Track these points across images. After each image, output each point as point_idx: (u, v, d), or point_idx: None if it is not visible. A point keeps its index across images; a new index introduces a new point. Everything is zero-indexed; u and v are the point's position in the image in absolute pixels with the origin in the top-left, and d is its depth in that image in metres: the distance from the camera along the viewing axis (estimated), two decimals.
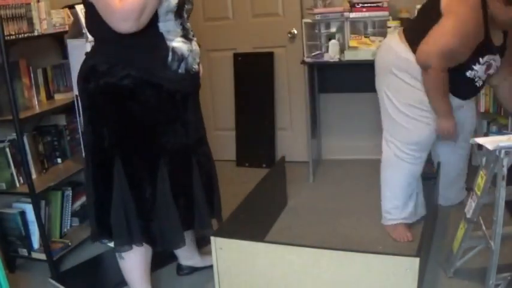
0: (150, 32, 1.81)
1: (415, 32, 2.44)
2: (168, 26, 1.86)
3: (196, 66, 1.99)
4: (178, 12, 1.87)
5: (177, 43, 1.88)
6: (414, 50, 2.40)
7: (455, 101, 2.52)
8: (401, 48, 2.47)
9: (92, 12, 1.80)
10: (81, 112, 2.05)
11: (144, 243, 2.03)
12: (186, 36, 1.92)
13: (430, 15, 2.37)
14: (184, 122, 2.01)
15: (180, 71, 1.91)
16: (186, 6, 1.93)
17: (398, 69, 2.48)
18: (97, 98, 1.89)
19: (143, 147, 1.94)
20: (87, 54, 1.99)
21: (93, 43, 1.99)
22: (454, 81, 2.41)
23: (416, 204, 2.70)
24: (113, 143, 1.91)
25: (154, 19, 1.80)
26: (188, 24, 1.97)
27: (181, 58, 1.90)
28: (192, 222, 2.09)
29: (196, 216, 2.09)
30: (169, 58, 1.87)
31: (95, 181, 1.97)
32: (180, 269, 2.47)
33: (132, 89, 1.85)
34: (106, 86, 1.85)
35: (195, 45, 1.98)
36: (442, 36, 2.28)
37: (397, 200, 2.66)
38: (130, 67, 1.84)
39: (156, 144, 1.95)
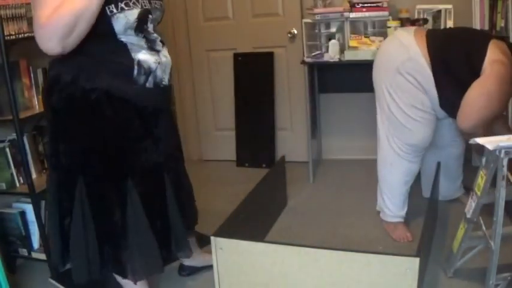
0: (112, 42, 1.70)
1: (441, 44, 2.41)
2: (130, 39, 1.73)
3: (167, 79, 1.86)
4: (139, 26, 1.73)
5: (143, 55, 1.75)
6: (431, 58, 2.38)
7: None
8: (416, 51, 2.41)
9: None
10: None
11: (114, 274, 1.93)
12: (152, 48, 1.79)
13: (468, 50, 2.35)
14: (155, 139, 1.88)
15: (147, 85, 1.78)
16: (151, 16, 1.79)
17: (407, 71, 2.43)
18: (59, 111, 1.76)
19: (109, 167, 1.79)
20: (50, 63, 1.83)
21: None
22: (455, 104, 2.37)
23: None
24: (76, 162, 1.78)
25: (112, 34, 1.68)
26: (155, 34, 1.82)
27: (149, 71, 1.77)
28: (169, 244, 1.99)
29: (173, 238, 2.00)
30: (135, 71, 1.74)
31: (59, 200, 1.84)
32: (182, 269, 2.47)
33: (97, 103, 1.72)
34: (69, 98, 1.73)
35: (164, 57, 1.84)
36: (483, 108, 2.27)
37: (396, 197, 2.69)
38: (94, 79, 1.71)
39: (124, 164, 1.81)
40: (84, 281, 1.87)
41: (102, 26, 1.65)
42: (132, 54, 1.73)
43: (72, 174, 1.80)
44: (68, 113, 1.76)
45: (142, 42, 1.76)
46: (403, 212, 2.71)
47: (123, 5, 1.67)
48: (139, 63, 1.74)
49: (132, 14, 1.69)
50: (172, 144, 2.03)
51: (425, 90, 2.44)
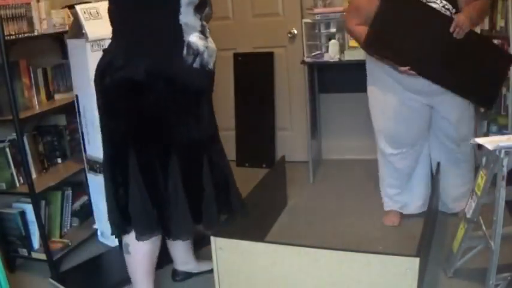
0: (169, 24, 1.85)
1: None
2: (187, 18, 1.88)
3: (211, 64, 2.03)
4: (199, 8, 1.91)
5: (194, 37, 1.91)
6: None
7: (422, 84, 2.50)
8: None
9: (114, 4, 1.86)
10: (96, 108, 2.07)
11: (156, 236, 2.04)
12: (203, 32, 1.96)
13: None
14: (197, 117, 2.02)
15: (195, 65, 1.93)
16: (206, 8, 1.99)
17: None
18: (111, 92, 1.91)
19: (155, 137, 1.94)
20: (104, 50, 2.01)
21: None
22: None
23: (416, 197, 2.83)
24: (127, 134, 1.93)
25: (176, 8, 1.83)
26: (205, 23, 2.00)
27: (197, 53, 1.92)
28: (200, 218, 2.08)
29: (204, 214, 2.08)
30: (185, 51, 1.89)
31: (113, 173, 1.99)
32: (175, 275, 2.45)
33: (147, 82, 1.86)
34: (121, 80, 1.87)
35: (211, 43, 2.02)
36: None
37: (387, 192, 2.87)
38: (145, 59, 1.85)
39: (168, 135, 1.95)
40: (145, 239, 2.01)
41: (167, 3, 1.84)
42: (184, 36, 1.88)
43: (124, 149, 1.94)
44: (119, 93, 1.89)
45: (198, 25, 1.93)
46: (399, 205, 2.85)
47: None
48: (189, 44, 1.89)
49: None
50: (212, 127, 2.16)
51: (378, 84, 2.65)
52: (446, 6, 2.38)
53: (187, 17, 1.87)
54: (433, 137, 2.75)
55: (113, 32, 1.95)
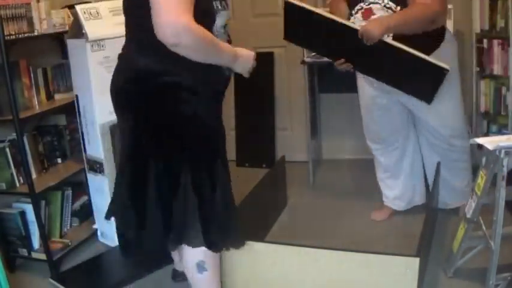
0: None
1: None
2: (219, 34, 1.85)
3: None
4: (226, 25, 1.90)
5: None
6: None
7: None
8: None
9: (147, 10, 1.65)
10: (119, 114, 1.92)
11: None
12: (229, 41, 1.93)
13: None
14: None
15: (227, 73, 1.91)
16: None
17: None
18: (154, 98, 1.75)
19: (207, 151, 1.85)
20: (128, 51, 1.84)
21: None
22: None
23: (410, 192, 2.86)
24: (179, 149, 1.79)
25: (211, 28, 1.77)
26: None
27: None
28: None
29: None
30: None
31: (169, 184, 1.83)
32: (175, 275, 2.41)
33: (192, 89, 1.76)
34: (168, 85, 1.74)
35: None
36: None
37: (379, 185, 2.95)
38: (189, 69, 1.72)
39: (217, 146, 1.88)
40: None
41: (208, 19, 1.76)
42: None
43: (177, 162, 1.81)
44: (165, 104, 1.75)
45: (225, 39, 1.90)
46: (391, 200, 2.92)
47: (224, 4, 1.89)
48: None
49: (227, 13, 1.90)
50: None
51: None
52: (387, 5, 2.31)
53: (218, 34, 1.84)
54: (422, 138, 2.74)
55: (146, 35, 1.67)
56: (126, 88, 1.81)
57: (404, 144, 2.78)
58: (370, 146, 2.87)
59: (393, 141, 2.76)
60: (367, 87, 2.67)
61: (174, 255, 2.34)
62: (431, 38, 2.38)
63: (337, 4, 2.51)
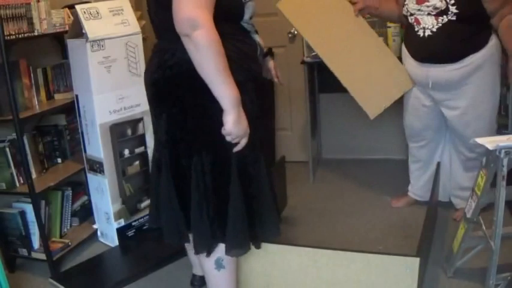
0: (239, 27, 1.80)
1: None
2: (247, 26, 1.84)
3: None
4: (252, 15, 1.86)
5: (258, 38, 1.90)
6: None
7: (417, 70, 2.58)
8: None
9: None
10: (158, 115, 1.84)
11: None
12: (257, 32, 1.91)
13: None
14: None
15: (261, 63, 1.93)
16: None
17: None
18: (198, 89, 1.66)
19: (255, 143, 1.79)
20: (163, 48, 1.77)
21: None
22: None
23: (428, 186, 2.83)
24: (229, 144, 1.72)
25: (239, 20, 1.78)
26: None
27: (261, 51, 1.93)
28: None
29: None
30: (258, 51, 1.88)
31: (215, 180, 1.78)
32: (194, 280, 2.31)
33: (242, 85, 1.70)
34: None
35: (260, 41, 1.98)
36: None
37: (410, 177, 3.00)
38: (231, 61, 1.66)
39: (259, 137, 1.83)
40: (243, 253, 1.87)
41: (236, 11, 1.75)
42: (253, 37, 1.86)
43: (228, 156, 1.75)
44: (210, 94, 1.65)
45: (252, 28, 1.89)
46: (413, 191, 2.98)
47: None
48: (259, 44, 1.89)
49: (254, 4, 1.84)
50: None
51: None
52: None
53: (246, 25, 1.83)
54: (450, 145, 2.79)
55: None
56: (167, 80, 1.74)
57: (438, 141, 2.83)
58: (409, 142, 2.91)
59: (430, 137, 2.81)
60: (414, 89, 2.69)
61: (193, 260, 2.24)
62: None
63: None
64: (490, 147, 1.91)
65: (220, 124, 1.66)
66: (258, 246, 1.94)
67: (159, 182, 1.90)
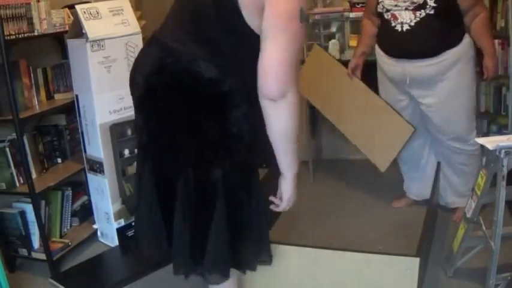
0: (257, 42, 1.52)
1: None
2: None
3: None
4: None
5: None
6: None
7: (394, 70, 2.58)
8: None
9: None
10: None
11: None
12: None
13: None
14: None
15: None
16: None
17: None
18: (225, 100, 1.59)
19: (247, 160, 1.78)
20: (167, 48, 1.54)
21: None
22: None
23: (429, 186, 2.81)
24: (253, 158, 1.73)
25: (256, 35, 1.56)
26: None
27: None
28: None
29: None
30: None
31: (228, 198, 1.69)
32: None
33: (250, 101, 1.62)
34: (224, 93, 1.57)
35: None
36: None
37: (404, 179, 3.03)
38: (246, 77, 1.55)
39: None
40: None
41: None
42: None
43: (249, 171, 1.76)
44: (231, 103, 1.61)
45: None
46: (409, 190, 2.99)
47: None
48: None
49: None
50: None
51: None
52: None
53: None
54: (433, 138, 2.77)
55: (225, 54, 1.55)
56: (167, 88, 1.56)
57: (420, 142, 2.82)
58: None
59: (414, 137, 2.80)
60: (388, 84, 2.70)
61: None
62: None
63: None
64: (490, 147, 1.91)
65: (214, 145, 1.61)
66: (243, 273, 1.81)
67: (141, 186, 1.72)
